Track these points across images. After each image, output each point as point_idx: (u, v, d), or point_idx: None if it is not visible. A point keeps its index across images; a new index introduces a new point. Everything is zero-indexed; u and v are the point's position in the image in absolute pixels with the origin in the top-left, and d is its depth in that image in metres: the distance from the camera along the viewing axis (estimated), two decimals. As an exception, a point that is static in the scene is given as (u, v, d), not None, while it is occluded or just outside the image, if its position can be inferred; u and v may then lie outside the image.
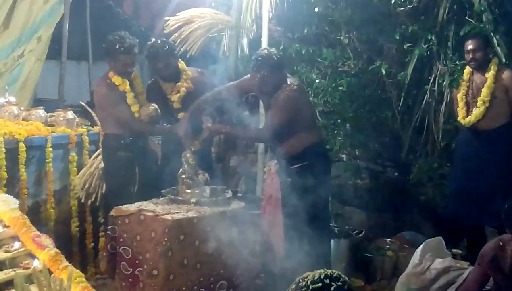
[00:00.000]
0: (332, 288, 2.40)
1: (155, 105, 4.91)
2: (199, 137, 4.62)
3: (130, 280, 4.12)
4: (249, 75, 4.61)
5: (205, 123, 4.57)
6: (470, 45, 5.07)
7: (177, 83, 5.03)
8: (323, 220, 4.64)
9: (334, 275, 2.43)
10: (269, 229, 4.57)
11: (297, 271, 4.35)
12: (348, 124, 5.91)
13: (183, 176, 4.40)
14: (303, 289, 2.45)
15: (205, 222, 4.14)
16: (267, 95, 4.52)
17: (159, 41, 4.96)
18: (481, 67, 5.09)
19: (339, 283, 2.41)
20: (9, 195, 4.17)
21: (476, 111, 5.05)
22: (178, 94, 5.00)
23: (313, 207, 4.43)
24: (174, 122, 4.91)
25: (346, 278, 2.45)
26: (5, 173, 4.67)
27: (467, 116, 5.11)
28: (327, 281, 2.42)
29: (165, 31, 5.85)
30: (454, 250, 5.00)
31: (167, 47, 4.96)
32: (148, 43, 5.02)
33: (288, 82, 4.47)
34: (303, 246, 4.32)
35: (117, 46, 4.69)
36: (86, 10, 8.22)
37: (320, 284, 2.41)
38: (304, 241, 4.33)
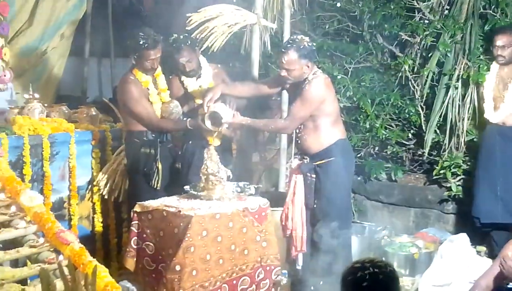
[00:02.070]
0: (380, 276, 2.43)
1: (176, 101, 4.94)
2: (219, 127, 4.58)
3: (153, 275, 4.14)
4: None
5: (224, 114, 4.51)
6: (498, 41, 5.02)
7: (198, 79, 5.06)
8: (346, 217, 4.61)
9: (381, 264, 2.46)
10: (292, 226, 4.54)
11: (319, 268, 4.38)
12: (370, 120, 5.87)
13: (206, 172, 4.40)
14: (350, 276, 2.48)
15: (228, 217, 4.15)
16: (294, 85, 4.49)
17: (182, 36, 4.99)
18: (509, 62, 5.03)
19: (386, 271, 2.44)
20: (34, 191, 4.20)
21: (504, 107, 4.99)
22: (200, 89, 5.01)
23: (336, 204, 4.42)
24: (195, 118, 4.92)
25: (392, 267, 2.48)
26: (29, 169, 4.73)
27: (494, 112, 5.06)
28: (374, 269, 2.44)
29: (187, 28, 5.85)
30: (478, 247, 4.95)
31: (189, 42, 5.02)
32: (170, 38, 5.03)
33: (317, 74, 4.45)
34: (326, 243, 4.30)
35: (141, 42, 4.71)
36: (108, 7, 8.26)
37: (366, 272, 2.44)
38: (326, 237, 4.32)
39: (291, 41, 4.45)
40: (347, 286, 2.52)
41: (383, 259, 2.61)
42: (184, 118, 4.91)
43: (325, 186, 4.43)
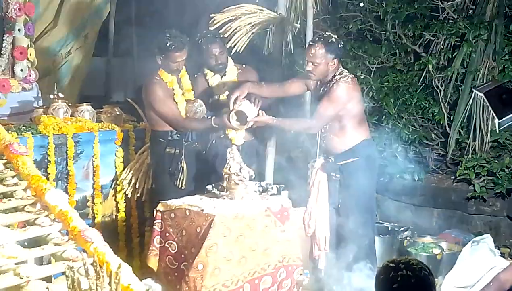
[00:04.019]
0: (412, 280, 2.42)
1: (200, 101, 4.98)
2: (244, 125, 4.59)
3: (176, 274, 4.16)
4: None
5: (249, 113, 4.52)
6: None
7: (223, 77, 5.10)
8: (369, 218, 4.60)
9: (416, 267, 2.44)
10: (315, 225, 4.54)
11: (342, 268, 4.37)
12: (393, 120, 5.84)
13: (228, 172, 4.41)
14: (383, 275, 2.47)
15: (250, 217, 4.15)
16: (319, 85, 4.49)
17: (213, 30, 5.13)
18: None
19: (420, 275, 2.43)
20: (58, 189, 4.24)
21: None
22: (225, 88, 5.04)
23: (360, 204, 4.42)
24: (220, 116, 4.94)
25: (428, 271, 2.45)
26: (54, 168, 4.78)
27: None
28: (408, 272, 2.43)
29: (210, 28, 5.87)
30: (502, 248, 4.91)
31: (221, 35, 5.18)
32: (202, 32, 5.16)
33: (344, 74, 4.44)
34: (349, 243, 4.30)
35: (168, 44, 4.73)
36: (131, 7, 8.32)
37: (399, 274, 2.43)
38: (350, 237, 4.31)
39: (319, 35, 4.48)
40: (379, 284, 2.52)
41: (420, 262, 2.55)
42: (209, 117, 4.93)
43: (349, 186, 4.43)
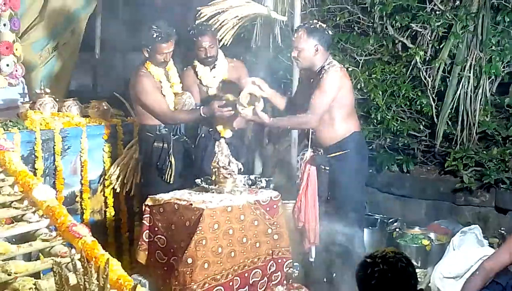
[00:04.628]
0: (389, 274, 2.40)
1: (189, 93, 4.96)
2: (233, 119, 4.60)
3: (165, 268, 4.15)
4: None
5: (243, 112, 4.53)
6: None
7: (213, 70, 5.10)
8: (360, 210, 4.61)
9: (393, 260, 2.43)
10: (304, 218, 4.53)
11: (332, 260, 4.38)
12: (381, 112, 5.85)
13: (217, 165, 4.40)
14: (361, 271, 2.46)
15: (239, 210, 4.15)
16: (310, 74, 4.48)
17: (205, 22, 5.17)
18: None
19: (397, 268, 2.41)
20: (46, 185, 4.22)
21: None
22: (214, 81, 5.04)
23: (350, 197, 4.41)
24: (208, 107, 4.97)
25: (405, 262, 2.44)
26: (41, 163, 4.76)
27: None
28: (384, 266, 2.41)
29: (197, 21, 5.85)
30: (491, 239, 4.94)
31: (213, 28, 5.19)
32: (194, 24, 5.20)
33: (333, 63, 4.42)
34: (338, 235, 4.30)
35: (155, 36, 4.71)
36: (118, 2, 8.26)
37: (376, 269, 2.41)
38: (339, 230, 4.31)
39: (304, 23, 4.55)
40: (358, 281, 2.51)
41: (397, 252, 2.53)
42: (197, 107, 4.91)
43: (339, 178, 4.42)
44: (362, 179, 4.69)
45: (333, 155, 4.44)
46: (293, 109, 4.63)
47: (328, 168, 4.46)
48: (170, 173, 4.85)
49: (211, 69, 5.15)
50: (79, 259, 2.67)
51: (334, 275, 4.48)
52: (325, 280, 4.57)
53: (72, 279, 2.53)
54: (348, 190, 4.43)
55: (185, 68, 5.27)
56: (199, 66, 5.16)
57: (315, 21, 4.57)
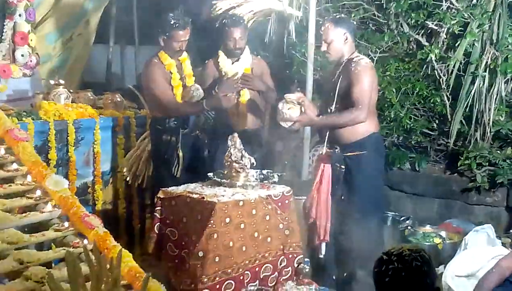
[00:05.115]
0: (403, 273, 2.38)
1: (197, 85, 4.95)
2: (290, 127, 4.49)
3: (176, 261, 4.16)
4: None
5: (287, 111, 4.40)
6: None
7: (235, 63, 5.14)
8: (376, 211, 4.52)
9: (408, 258, 2.40)
10: (315, 214, 4.48)
11: (343, 259, 4.34)
12: (395, 110, 5.82)
13: (230, 159, 4.40)
14: (377, 268, 2.44)
15: (251, 205, 4.15)
16: (335, 67, 4.45)
17: (237, 14, 5.33)
18: None
19: (411, 267, 2.39)
20: (59, 176, 4.24)
21: None
22: (235, 73, 5.08)
23: (366, 198, 4.34)
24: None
25: (421, 261, 2.42)
26: (55, 154, 4.79)
27: None
28: (399, 265, 2.40)
29: (212, 15, 5.84)
30: (503, 238, 4.91)
31: (245, 21, 5.28)
32: (226, 14, 5.33)
33: (361, 56, 4.41)
34: (352, 235, 4.25)
35: (172, 22, 4.73)
36: (134, -6, 8.28)
37: (390, 267, 2.40)
38: (354, 230, 4.25)
39: (341, 17, 4.57)
40: (374, 278, 2.49)
41: (415, 250, 2.50)
42: (200, 101, 4.90)
43: (355, 179, 4.34)
44: (379, 182, 4.63)
45: (350, 154, 4.36)
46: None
47: (343, 167, 4.38)
48: (177, 166, 4.85)
49: (233, 62, 5.15)
50: (91, 250, 2.67)
51: (345, 274, 4.43)
52: (334, 277, 4.55)
53: (84, 270, 2.53)
54: (365, 191, 4.34)
55: (206, 61, 5.29)
56: (222, 57, 5.17)
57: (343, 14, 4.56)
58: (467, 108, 5.60)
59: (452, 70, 5.62)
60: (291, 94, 4.42)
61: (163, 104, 4.85)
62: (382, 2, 5.98)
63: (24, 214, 3.87)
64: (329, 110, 4.47)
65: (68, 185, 4.18)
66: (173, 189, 4.29)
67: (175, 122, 4.88)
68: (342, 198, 4.41)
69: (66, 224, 3.86)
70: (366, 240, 4.17)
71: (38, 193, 4.05)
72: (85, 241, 3.69)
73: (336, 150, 4.43)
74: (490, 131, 5.52)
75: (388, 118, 5.90)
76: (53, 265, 3.69)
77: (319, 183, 4.46)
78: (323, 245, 4.54)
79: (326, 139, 4.47)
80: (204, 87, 5.03)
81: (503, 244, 4.72)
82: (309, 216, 4.52)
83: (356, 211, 4.31)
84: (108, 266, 2.54)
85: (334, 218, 4.44)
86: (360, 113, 4.27)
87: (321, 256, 4.57)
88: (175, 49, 4.81)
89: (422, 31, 5.97)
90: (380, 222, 4.65)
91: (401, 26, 6.03)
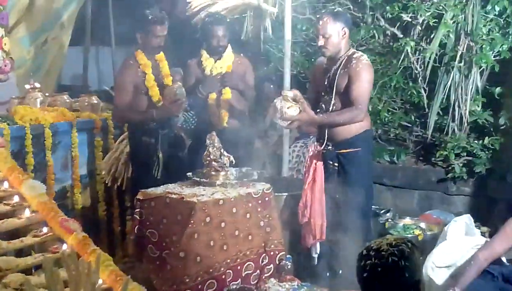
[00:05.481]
0: (379, 269, 2.38)
1: (180, 83, 4.94)
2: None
3: (158, 262, 4.14)
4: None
5: (287, 110, 4.23)
6: None
7: (218, 61, 5.16)
8: (367, 207, 4.51)
9: (385, 254, 2.41)
10: (310, 213, 4.42)
11: (337, 256, 4.32)
12: (372, 103, 5.84)
13: (209, 158, 4.39)
14: (357, 262, 2.45)
15: (231, 203, 4.14)
16: (330, 62, 4.39)
17: (219, 12, 5.43)
18: None
19: (387, 263, 2.39)
20: (37, 181, 4.20)
21: None
22: (218, 71, 5.13)
23: (359, 194, 4.29)
24: (206, 100, 5.12)
25: (399, 255, 2.42)
26: (32, 159, 4.74)
27: None
28: (375, 260, 2.40)
29: (187, 14, 5.83)
30: (482, 228, 4.94)
31: (227, 19, 5.34)
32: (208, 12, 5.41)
33: (360, 53, 4.35)
34: (345, 233, 4.22)
35: (150, 17, 4.74)
36: (108, -5, 8.22)
37: (368, 262, 2.40)
38: (346, 228, 4.22)
39: (339, 11, 4.58)
40: (356, 272, 2.50)
41: (396, 244, 2.50)
42: (151, 110, 4.86)
43: (349, 176, 4.31)
44: (371, 178, 4.63)
45: (344, 151, 4.33)
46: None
47: (336, 165, 4.35)
48: (157, 168, 4.83)
49: (215, 61, 5.16)
50: (69, 255, 2.65)
51: (340, 271, 4.41)
52: (328, 274, 4.53)
53: (63, 275, 2.52)
54: (358, 188, 4.30)
55: (189, 61, 5.33)
56: (205, 56, 5.20)
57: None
58: (444, 100, 5.63)
59: (428, 62, 5.64)
60: (289, 92, 4.28)
61: (115, 106, 4.90)
62: (358, -4, 6.00)
63: (1, 221, 3.84)
64: (324, 106, 4.41)
65: (46, 189, 4.15)
66: (152, 190, 4.27)
67: (154, 124, 4.86)
68: (336, 196, 4.35)
69: (45, 229, 3.84)
70: (359, 236, 4.16)
71: (16, 199, 4.02)
72: (64, 246, 3.67)
73: (329, 147, 4.38)
74: (467, 122, 5.56)
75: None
76: (32, 271, 3.66)
77: (313, 181, 4.41)
78: (318, 244, 4.53)
79: (326, 137, 4.37)
80: (186, 86, 5.02)
81: (483, 234, 4.76)
82: (303, 215, 4.47)
83: (350, 208, 4.26)
84: (87, 270, 2.53)
85: (328, 216, 4.40)
86: (360, 113, 4.24)
87: (315, 255, 4.56)
88: (154, 46, 4.79)
89: (398, 24, 5.99)
90: (370, 220, 4.64)
91: (377, 20, 6.06)
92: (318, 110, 4.42)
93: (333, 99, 4.34)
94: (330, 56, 4.38)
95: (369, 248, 2.48)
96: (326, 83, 4.41)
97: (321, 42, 4.31)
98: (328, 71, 4.42)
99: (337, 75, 4.31)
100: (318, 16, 4.45)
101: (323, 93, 4.45)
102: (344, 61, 4.31)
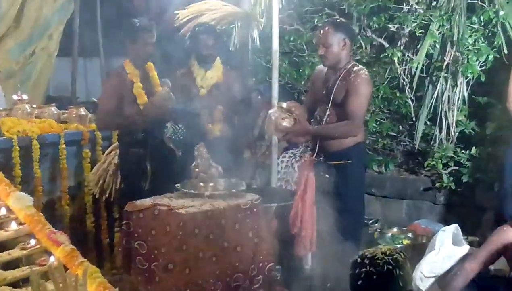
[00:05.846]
0: (374, 276, 2.40)
1: (167, 88, 4.93)
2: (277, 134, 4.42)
3: (146, 274, 4.12)
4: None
5: (282, 122, 4.26)
6: None
7: (208, 71, 5.20)
8: (359, 219, 4.52)
9: (380, 262, 2.43)
10: (301, 224, 4.43)
11: (327, 268, 4.31)
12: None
13: (197, 169, 4.39)
14: (351, 270, 2.46)
15: (220, 215, 4.13)
16: (330, 73, 4.38)
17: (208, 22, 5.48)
18: None
19: (382, 271, 2.42)
20: (24, 193, 4.18)
21: None
22: (208, 82, 5.19)
23: (350, 206, 4.30)
24: (196, 110, 5.14)
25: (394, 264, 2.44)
26: (19, 170, 4.73)
27: None
28: (370, 268, 2.42)
29: (175, 25, 5.84)
30: (470, 238, 4.97)
31: (217, 29, 5.42)
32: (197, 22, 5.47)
33: (359, 66, 4.34)
34: (337, 244, 4.21)
35: (138, 24, 4.75)
36: (96, 6, 8.22)
37: (363, 270, 2.42)
38: (338, 238, 4.22)
39: (340, 22, 4.52)
40: (349, 280, 2.51)
41: (389, 253, 2.54)
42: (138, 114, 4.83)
43: (340, 187, 4.31)
44: (363, 189, 4.63)
45: (335, 162, 4.32)
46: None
47: (327, 176, 4.35)
48: (146, 179, 4.81)
49: (206, 71, 5.21)
50: (57, 268, 2.64)
51: (329, 284, 4.41)
52: (318, 286, 4.52)
53: (51, 288, 2.50)
54: (349, 200, 4.31)
55: (178, 71, 5.34)
56: (195, 66, 5.24)
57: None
58: (431, 110, 5.67)
59: (415, 72, 5.68)
60: (284, 103, 4.29)
61: (97, 115, 4.93)
62: (344, 7, 6.03)
63: (-12, 234, 3.81)
64: (318, 116, 4.42)
65: (34, 201, 4.12)
66: (141, 202, 4.25)
67: (143, 134, 4.84)
68: (327, 207, 4.34)
69: (33, 241, 3.81)
70: (350, 248, 4.13)
71: (3, 211, 3.99)
72: (52, 258, 3.64)
73: (321, 158, 4.38)
74: (454, 132, 5.60)
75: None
76: (20, 284, 3.63)
77: (303, 192, 4.41)
78: (309, 256, 4.52)
79: (318, 147, 4.39)
80: (175, 96, 5.02)
81: (470, 244, 4.78)
82: (294, 225, 4.47)
83: (341, 220, 4.25)
84: (74, 283, 2.52)
85: (319, 227, 4.40)
86: (356, 127, 4.26)
87: (307, 266, 4.55)
88: (142, 54, 4.78)
89: (384, 34, 6.03)
90: (360, 232, 4.63)
91: (364, 30, 6.09)
92: (312, 120, 4.43)
93: (328, 110, 4.35)
94: (329, 66, 4.39)
95: (363, 256, 2.51)
96: (324, 92, 4.42)
97: (321, 51, 4.32)
98: (327, 81, 4.43)
99: (335, 86, 4.31)
100: (320, 24, 4.44)
101: (319, 103, 4.46)
102: (343, 73, 4.31)
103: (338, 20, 4.42)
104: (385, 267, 2.44)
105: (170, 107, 4.84)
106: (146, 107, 4.76)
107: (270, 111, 4.34)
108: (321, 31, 4.32)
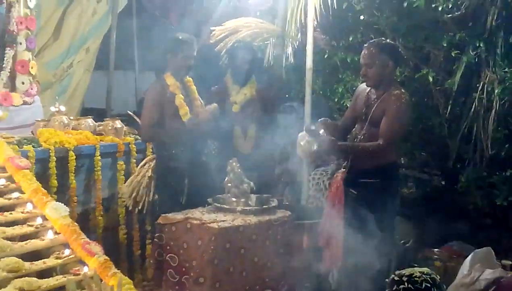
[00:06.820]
0: (424, 285, 2.44)
1: (216, 104, 5.01)
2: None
3: (177, 287, 4.16)
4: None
5: (310, 147, 4.28)
6: None
7: (242, 88, 5.32)
8: (390, 237, 4.45)
9: (418, 280, 2.45)
10: (328, 238, 4.42)
11: (354, 285, 4.28)
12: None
13: (229, 185, 4.42)
14: (388, 288, 2.50)
15: (251, 230, 4.16)
16: (374, 93, 4.33)
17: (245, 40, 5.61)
18: None
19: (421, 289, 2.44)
20: (60, 203, 4.25)
21: None
22: (242, 98, 5.33)
23: (380, 225, 4.26)
24: (229, 126, 5.25)
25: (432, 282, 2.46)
26: (55, 181, 4.80)
27: None
28: (408, 285, 2.45)
29: (210, 41, 5.90)
30: (504, 261, 4.90)
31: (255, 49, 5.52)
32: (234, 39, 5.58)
33: (401, 89, 4.30)
34: (363, 263, 4.15)
35: (180, 38, 4.87)
36: (133, 21, 8.36)
37: (401, 287, 2.44)
38: (366, 255, 4.15)
39: (386, 44, 4.38)
40: None
41: (427, 272, 2.58)
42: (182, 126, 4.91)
43: (369, 205, 4.26)
44: (393, 211, 4.54)
45: (365, 180, 4.29)
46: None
47: (356, 193, 4.32)
48: (183, 193, 4.84)
49: (240, 87, 5.32)
50: (92, 277, 2.68)
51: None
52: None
53: (85, 297, 2.55)
54: (379, 219, 4.26)
55: (213, 87, 5.50)
56: (230, 82, 5.38)
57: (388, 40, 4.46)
58: (466, 131, 5.62)
59: (450, 93, 5.65)
60: (313, 125, 4.32)
61: (142, 126, 5.00)
62: (380, 25, 6.02)
63: (25, 242, 3.88)
64: (354, 134, 4.45)
65: (69, 212, 4.19)
66: (173, 215, 4.30)
67: (182, 149, 4.88)
68: (355, 223, 4.29)
69: (67, 251, 3.87)
70: (379, 266, 4.11)
71: (39, 220, 4.07)
72: (85, 268, 3.70)
73: (351, 175, 4.36)
74: (489, 154, 5.53)
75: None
76: (54, 293, 3.69)
77: (333, 207, 4.40)
78: (335, 271, 4.51)
79: (348, 165, 4.38)
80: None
81: (504, 267, 4.72)
82: (321, 238, 4.47)
83: (370, 238, 4.18)
84: (108, 293, 2.56)
85: (346, 243, 4.35)
86: (383, 148, 4.20)
87: (332, 282, 4.54)
88: (182, 68, 4.88)
89: (420, 54, 6.01)
90: (391, 249, 4.59)
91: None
92: (348, 136, 4.44)
93: (365, 129, 4.34)
94: (371, 86, 4.37)
95: (400, 274, 2.57)
96: (363, 110, 4.41)
97: (362, 70, 4.31)
98: (368, 100, 4.41)
99: (374, 107, 4.30)
100: (364, 45, 4.42)
101: (358, 120, 4.46)
102: (384, 94, 4.28)
103: (384, 41, 4.34)
104: (424, 285, 2.48)
105: (215, 124, 4.90)
106: (192, 121, 4.83)
107: (299, 135, 4.35)
108: (365, 51, 4.30)
